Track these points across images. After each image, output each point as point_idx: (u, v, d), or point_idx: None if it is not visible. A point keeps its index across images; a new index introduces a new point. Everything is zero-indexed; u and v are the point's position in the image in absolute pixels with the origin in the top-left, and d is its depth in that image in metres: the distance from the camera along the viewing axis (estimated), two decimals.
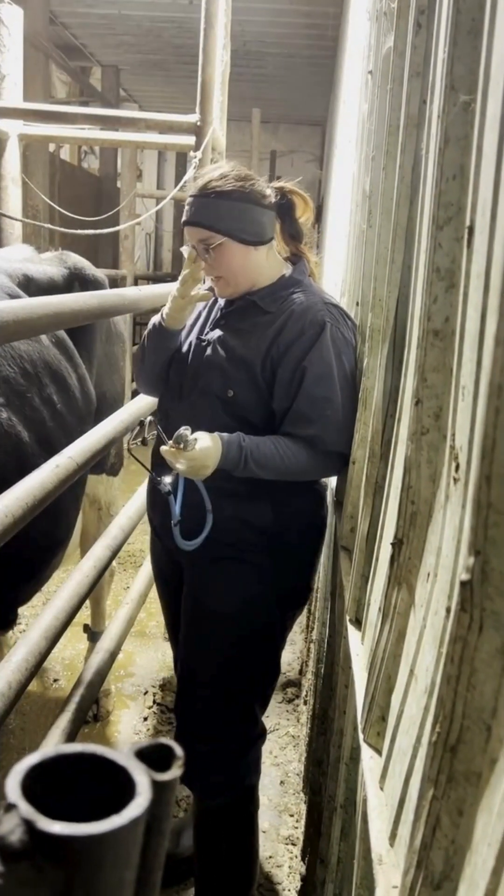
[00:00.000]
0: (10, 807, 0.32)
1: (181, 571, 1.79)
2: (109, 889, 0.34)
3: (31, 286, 2.08)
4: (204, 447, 1.51)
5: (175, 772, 0.37)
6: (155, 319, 1.78)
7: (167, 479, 1.65)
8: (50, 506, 1.70)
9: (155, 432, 1.77)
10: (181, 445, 1.51)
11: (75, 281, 2.37)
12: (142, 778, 0.35)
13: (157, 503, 1.78)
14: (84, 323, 1.83)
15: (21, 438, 1.73)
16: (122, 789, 0.35)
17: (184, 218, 1.65)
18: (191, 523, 1.63)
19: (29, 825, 0.31)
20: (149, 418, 1.88)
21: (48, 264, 2.33)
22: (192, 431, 1.56)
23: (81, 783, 0.37)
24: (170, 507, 1.65)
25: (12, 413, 1.71)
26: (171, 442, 1.53)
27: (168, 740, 0.38)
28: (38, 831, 0.31)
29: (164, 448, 1.54)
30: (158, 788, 0.36)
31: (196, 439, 1.52)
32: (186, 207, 1.64)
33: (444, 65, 0.79)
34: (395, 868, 0.72)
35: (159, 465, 1.68)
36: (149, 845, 0.37)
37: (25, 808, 0.32)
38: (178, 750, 0.38)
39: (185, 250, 1.68)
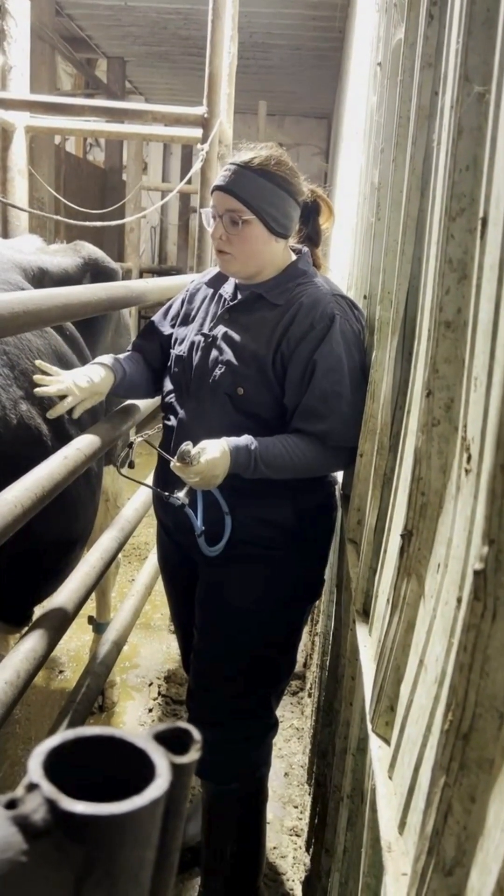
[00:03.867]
0: (33, 786, 0.33)
1: (193, 567, 1.79)
2: (129, 868, 0.34)
3: (45, 279, 2.08)
4: (210, 458, 1.50)
5: (193, 755, 0.38)
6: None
7: (180, 494, 1.60)
8: (67, 502, 1.69)
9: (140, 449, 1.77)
10: (186, 461, 1.49)
11: (89, 272, 2.36)
12: (161, 760, 0.36)
13: (168, 504, 1.71)
14: (92, 315, 1.83)
15: (41, 430, 1.73)
16: (139, 772, 0.36)
17: (219, 182, 1.61)
18: (212, 527, 1.64)
19: (51, 804, 0.32)
20: (138, 438, 1.87)
21: (62, 255, 2.31)
22: (202, 431, 1.54)
23: (100, 765, 0.37)
24: (188, 518, 1.63)
25: (31, 405, 1.71)
26: (175, 459, 1.51)
27: (186, 724, 0.38)
28: (60, 811, 0.32)
29: (172, 465, 1.53)
30: (177, 771, 0.36)
31: (200, 452, 1.50)
32: (224, 173, 1.61)
33: (457, 55, 0.79)
34: (404, 855, 0.73)
35: (172, 478, 1.62)
36: (167, 827, 0.37)
37: (48, 788, 0.32)
38: (196, 734, 0.38)
39: (206, 213, 1.65)
